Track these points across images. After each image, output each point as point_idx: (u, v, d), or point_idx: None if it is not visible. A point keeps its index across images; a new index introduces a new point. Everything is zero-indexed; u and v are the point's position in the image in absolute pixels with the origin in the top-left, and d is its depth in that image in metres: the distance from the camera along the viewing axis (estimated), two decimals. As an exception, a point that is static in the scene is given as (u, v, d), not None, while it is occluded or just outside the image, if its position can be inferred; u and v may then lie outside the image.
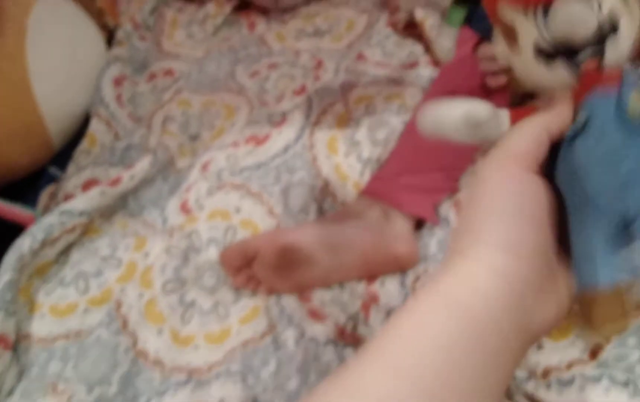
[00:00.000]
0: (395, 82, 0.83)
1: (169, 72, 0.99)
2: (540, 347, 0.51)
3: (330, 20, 1.06)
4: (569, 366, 0.49)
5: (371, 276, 0.62)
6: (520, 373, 0.48)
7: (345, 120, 0.77)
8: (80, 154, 0.83)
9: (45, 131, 0.83)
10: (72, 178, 0.77)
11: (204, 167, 0.76)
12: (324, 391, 0.26)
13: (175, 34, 1.09)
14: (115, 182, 0.71)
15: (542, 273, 0.29)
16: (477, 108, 0.30)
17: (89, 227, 0.70)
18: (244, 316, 0.61)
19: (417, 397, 0.25)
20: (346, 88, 0.84)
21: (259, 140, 0.78)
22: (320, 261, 0.60)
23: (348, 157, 0.73)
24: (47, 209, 0.75)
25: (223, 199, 0.71)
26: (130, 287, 0.63)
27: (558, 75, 0.30)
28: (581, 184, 0.28)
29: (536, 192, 0.29)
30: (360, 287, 0.62)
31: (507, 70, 0.32)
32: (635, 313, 0.36)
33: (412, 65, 0.87)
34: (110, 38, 1.04)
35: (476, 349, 0.27)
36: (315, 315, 0.60)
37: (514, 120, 0.31)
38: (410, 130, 0.71)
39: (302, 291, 0.62)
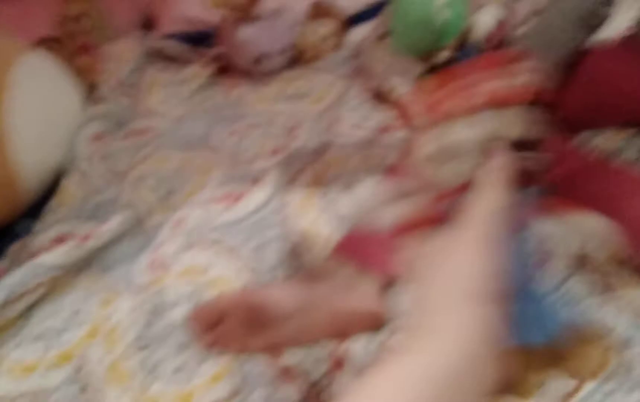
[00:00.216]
0: (369, 144, 0.85)
1: (146, 131, 1.00)
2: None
3: (308, 85, 1.09)
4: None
5: (341, 335, 0.61)
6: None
7: (320, 181, 0.79)
8: (53, 208, 0.82)
9: (18, 185, 0.83)
10: (42, 233, 0.77)
11: (177, 224, 0.76)
12: None
13: (155, 94, 1.11)
14: (85, 238, 0.70)
15: (494, 331, 0.32)
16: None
17: (55, 284, 0.69)
18: (211, 376, 0.59)
19: None
20: (321, 149, 0.86)
21: (234, 198, 0.78)
22: (290, 321, 0.60)
23: (321, 217, 0.73)
24: (13, 265, 0.73)
25: (195, 256, 0.70)
26: (95, 346, 0.61)
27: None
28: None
29: None
30: (331, 347, 0.61)
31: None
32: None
33: (386, 129, 0.90)
34: (90, 96, 1.06)
35: (455, 391, 0.28)
36: (285, 375, 0.59)
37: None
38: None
39: (272, 350, 0.61)
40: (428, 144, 0.37)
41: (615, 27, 1.06)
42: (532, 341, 0.38)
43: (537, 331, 0.38)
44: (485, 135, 0.36)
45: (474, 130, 0.36)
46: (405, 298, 0.63)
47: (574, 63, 0.75)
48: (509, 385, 0.36)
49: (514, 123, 0.36)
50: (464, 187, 0.37)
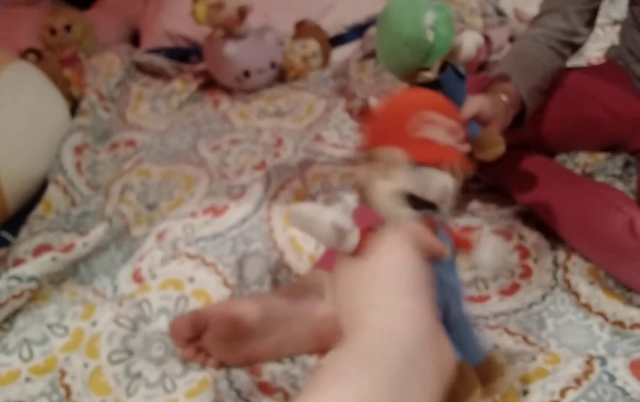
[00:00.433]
0: (350, 162, 0.87)
1: (130, 143, 1.00)
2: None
3: (291, 102, 1.11)
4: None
5: (323, 349, 0.62)
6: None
7: (302, 196, 0.80)
8: (35, 219, 0.82)
9: (1, 194, 0.82)
10: (24, 243, 0.76)
11: (160, 236, 0.77)
12: None
13: (139, 107, 1.12)
14: (67, 248, 0.70)
15: (434, 321, 0.34)
16: (342, 218, 0.38)
17: (37, 294, 0.68)
18: (191, 389, 0.60)
19: None
20: (304, 165, 0.87)
21: (216, 211, 0.79)
22: (271, 334, 0.60)
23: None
24: (-5, 273, 0.73)
25: (177, 268, 0.71)
26: (76, 356, 0.61)
27: (405, 213, 0.39)
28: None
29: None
30: (312, 361, 0.62)
31: (362, 189, 0.41)
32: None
33: (367, 147, 0.92)
34: (74, 107, 1.06)
35: (399, 393, 0.29)
36: (265, 389, 0.59)
37: (362, 239, 0.38)
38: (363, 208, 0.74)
39: (252, 364, 0.61)
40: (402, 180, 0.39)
41: (587, 56, 1.11)
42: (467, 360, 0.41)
43: (470, 353, 0.42)
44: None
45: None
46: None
47: (550, 86, 0.78)
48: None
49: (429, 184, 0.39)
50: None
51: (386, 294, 0.33)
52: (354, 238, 0.37)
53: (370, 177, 0.40)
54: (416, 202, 0.39)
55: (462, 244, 0.42)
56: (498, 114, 0.68)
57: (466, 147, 0.60)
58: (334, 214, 0.37)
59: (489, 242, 0.43)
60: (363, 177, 0.40)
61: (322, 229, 0.37)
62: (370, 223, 0.39)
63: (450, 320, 0.40)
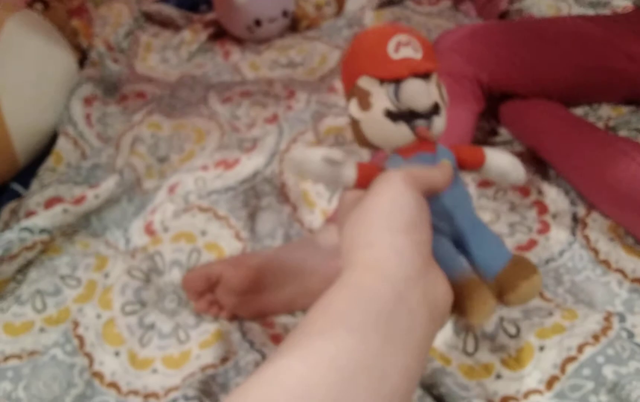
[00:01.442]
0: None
1: (140, 95, 0.99)
2: (498, 376, 0.52)
3: (303, 53, 1.08)
4: (526, 395, 0.49)
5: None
6: (478, 402, 0.49)
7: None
8: (45, 171, 0.82)
9: (11, 147, 0.82)
10: (35, 195, 0.76)
11: (171, 189, 0.76)
12: (243, 389, 0.27)
13: (149, 58, 1.09)
14: (79, 200, 0.70)
15: (429, 258, 0.35)
16: (334, 152, 0.39)
17: (49, 246, 0.69)
18: (204, 340, 0.60)
19: (334, 380, 0.27)
20: (317, 118, 0.85)
21: (228, 164, 0.78)
22: (284, 287, 0.60)
23: (316, 185, 0.73)
24: (7, 226, 0.73)
25: (189, 221, 0.70)
26: (89, 307, 0.61)
27: (399, 132, 0.39)
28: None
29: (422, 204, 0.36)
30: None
31: (355, 126, 0.41)
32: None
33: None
34: (83, 59, 1.04)
35: (389, 330, 0.29)
36: (278, 340, 0.59)
37: (361, 171, 0.39)
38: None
39: (264, 317, 0.61)
40: (383, 101, 0.40)
41: (613, 5, 1.06)
42: (490, 267, 0.41)
43: (496, 257, 0.41)
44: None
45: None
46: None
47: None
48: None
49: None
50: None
51: (381, 233, 0.34)
52: (349, 171, 0.39)
53: (357, 112, 0.41)
54: (405, 117, 0.39)
55: (469, 160, 0.42)
56: None
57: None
58: (325, 150, 0.38)
59: (498, 153, 0.42)
60: (352, 114, 0.41)
61: (314, 166, 0.38)
62: (375, 160, 0.39)
63: (459, 230, 0.41)
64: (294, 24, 1.17)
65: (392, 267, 0.32)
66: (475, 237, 0.42)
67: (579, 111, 0.83)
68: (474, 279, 0.39)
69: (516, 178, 0.44)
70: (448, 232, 0.40)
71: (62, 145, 0.85)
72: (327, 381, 0.27)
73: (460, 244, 0.42)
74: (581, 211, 0.70)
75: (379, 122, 0.40)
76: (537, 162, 0.77)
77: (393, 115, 0.39)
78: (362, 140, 0.42)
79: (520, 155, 0.78)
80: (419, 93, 0.39)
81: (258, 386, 0.27)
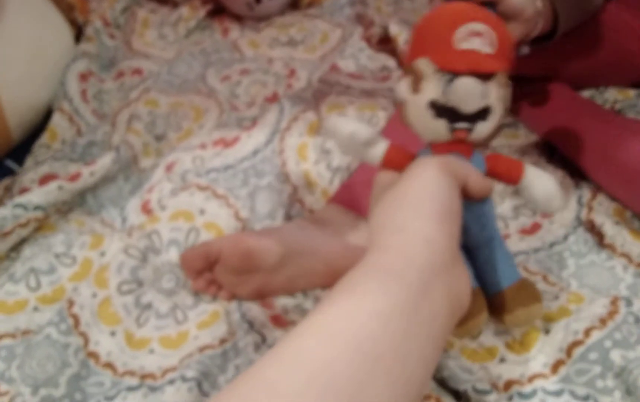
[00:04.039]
0: (368, 93, 0.83)
1: (137, 71, 0.97)
2: (502, 360, 0.51)
3: (304, 31, 1.06)
4: (531, 379, 0.48)
5: (336, 282, 0.60)
6: (482, 385, 0.48)
7: (316, 128, 0.77)
8: (40, 147, 0.80)
9: (4, 122, 0.80)
10: (30, 172, 0.74)
11: (169, 167, 0.74)
12: (261, 365, 0.27)
13: (146, 34, 1.07)
14: (74, 177, 0.68)
15: (457, 251, 0.35)
16: (363, 129, 0.38)
17: (43, 223, 0.67)
18: (202, 320, 0.59)
19: (358, 363, 0.26)
20: (318, 96, 0.83)
21: (227, 143, 0.76)
22: (284, 267, 0.59)
23: (318, 165, 0.72)
24: (1, 203, 0.71)
25: (187, 200, 0.69)
26: (84, 286, 0.60)
27: (438, 127, 0.38)
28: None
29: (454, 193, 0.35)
30: (324, 296, 0.60)
31: (401, 104, 0.40)
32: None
33: (385, 78, 0.87)
34: (79, 34, 1.02)
35: (412, 318, 0.29)
36: (278, 321, 0.58)
37: (389, 154, 0.39)
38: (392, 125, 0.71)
39: (264, 298, 0.60)
40: (432, 90, 0.38)
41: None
42: (493, 284, 0.41)
43: (502, 275, 0.42)
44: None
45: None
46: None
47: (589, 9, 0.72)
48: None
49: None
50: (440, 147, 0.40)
51: (413, 219, 0.33)
52: (377, 150, 0.38)
53: (405, 91, 0.39)
54: (448, 114, 0.37)
55: (505, 175, 0.40)
56: (529, 14, 0.60)
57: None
58: (354, 125, 0.38)
59: (540, 175, 0.41)
60: (399, 93, 0.39)
61: (342, 139, 0.37)
62: (401, 139, 0.38)
63: (473, 241, 0.40)
64: (295, 1, 1.15)
65: (422, 256, 0.31)
66: (487, 251, 0.41)
67: (585, 94, 0.81)
68: (472, 290, 0.38)
69: (551, 207, 0.42)
70: (460, 241, 0.39)
71: (57, 121, 0.83)
72: (352, 364, 0.26)
73: (470, 254, 0.41)
74: (586, 194, 0.69)
75: (421, 111, 0.38)
76: (541, 145, 0.76)
77: (437, 109, 0.38)
78: (404, 120, 0.40)
79: (524, 136, 0.77)
80: (470, 95, 0.36)
81: (279, 363, 0.26)
